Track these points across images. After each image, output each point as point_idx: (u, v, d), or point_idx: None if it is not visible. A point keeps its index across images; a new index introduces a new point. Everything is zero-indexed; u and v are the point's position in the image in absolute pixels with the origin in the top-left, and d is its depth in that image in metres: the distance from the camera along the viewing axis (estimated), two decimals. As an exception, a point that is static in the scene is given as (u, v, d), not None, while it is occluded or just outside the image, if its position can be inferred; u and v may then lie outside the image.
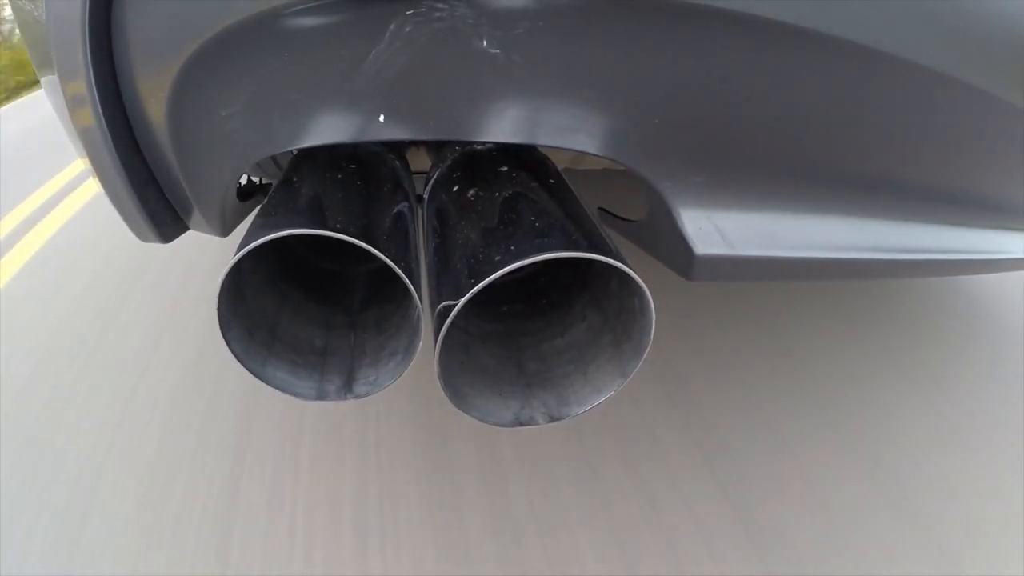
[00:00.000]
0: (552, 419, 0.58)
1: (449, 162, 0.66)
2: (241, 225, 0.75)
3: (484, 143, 0.66)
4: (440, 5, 0.43)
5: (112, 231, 2.08)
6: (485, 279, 0.45)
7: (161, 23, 0.49)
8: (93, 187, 2.50)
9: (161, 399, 1.23)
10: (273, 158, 0.84)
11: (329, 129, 0.50)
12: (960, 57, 0.52)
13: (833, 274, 0.64)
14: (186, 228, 0.69)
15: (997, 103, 0.57)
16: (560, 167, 0.67)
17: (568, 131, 0.50)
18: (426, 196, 0.68)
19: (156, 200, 0.63)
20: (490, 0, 0.43)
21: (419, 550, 0.86)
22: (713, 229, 0.54)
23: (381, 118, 0.49)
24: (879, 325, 1.24)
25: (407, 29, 0.44)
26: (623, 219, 0.66)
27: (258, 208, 0.65)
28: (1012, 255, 0.78)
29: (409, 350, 0.56)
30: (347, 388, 0.59)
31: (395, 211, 0.60)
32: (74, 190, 2.68)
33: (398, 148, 0.79)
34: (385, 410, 1.11)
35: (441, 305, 0.51)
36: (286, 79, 0.48)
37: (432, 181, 0.67)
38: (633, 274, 0.48)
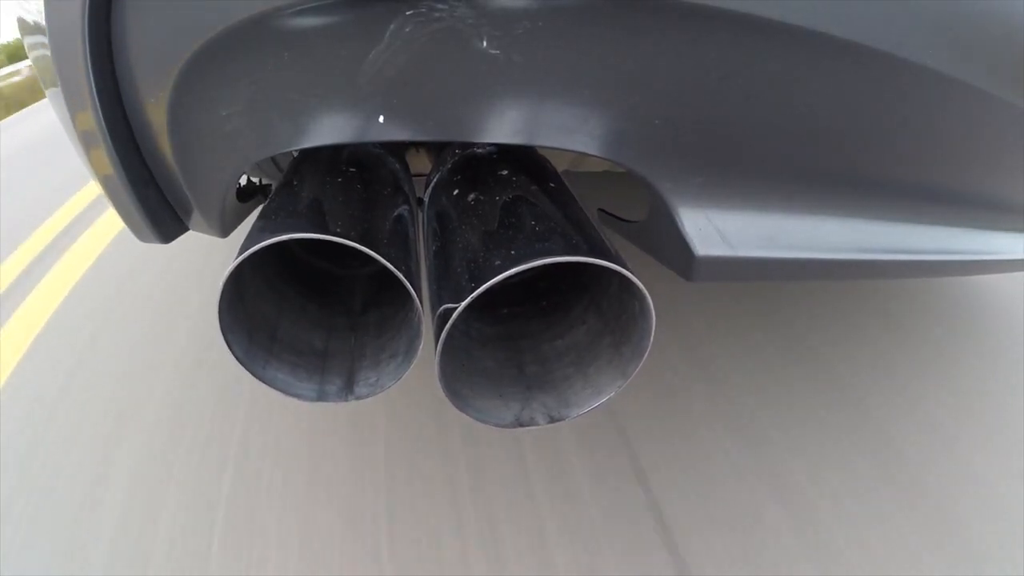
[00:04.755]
0: (552, 420, 0.58)
1: (449, 165, 0.66)
2: (241, 225, 0.75)
3: (484, 146, 0.66)
4: (440, 5, 0.43)
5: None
6: (485, 283, 0.45)
7: (161, 24, 0.48)
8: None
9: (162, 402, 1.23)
10: (273, 159, 0.84)
11: (329, 130, 0.50)
12: (960, 57, 0.52)
13: (833, 274, 0.64)
14: (186, 229, 0.69)
15: (997, 103, 0.57)
16: (560, 169, 0.67)
17: (568, 132, 0.50)
18: (426, 199, 0.68)
19: (156, 201, 0.63)
20: (490, 0, 0.43)
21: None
22: (713, 230, 0.54)
23: (381, 119, 0.49)
24: (884, 325, 1.24)
25: (407, 29, 0.44)
26: (623, 220, 0.66)
27: (258, 211, 0.64)
28: (1012, 256, 0.78)
29: (410, 352, 0.56)
30: (348, 390, 0.59)
31: (395, 214, 0.60)
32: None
33: (398, 150, 0.79)
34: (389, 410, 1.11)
35: (442, 308, 0.51)
36: (286, 80, 0.48)
37: (432, 184, 0.67)
38: (633, 277, 0.48)
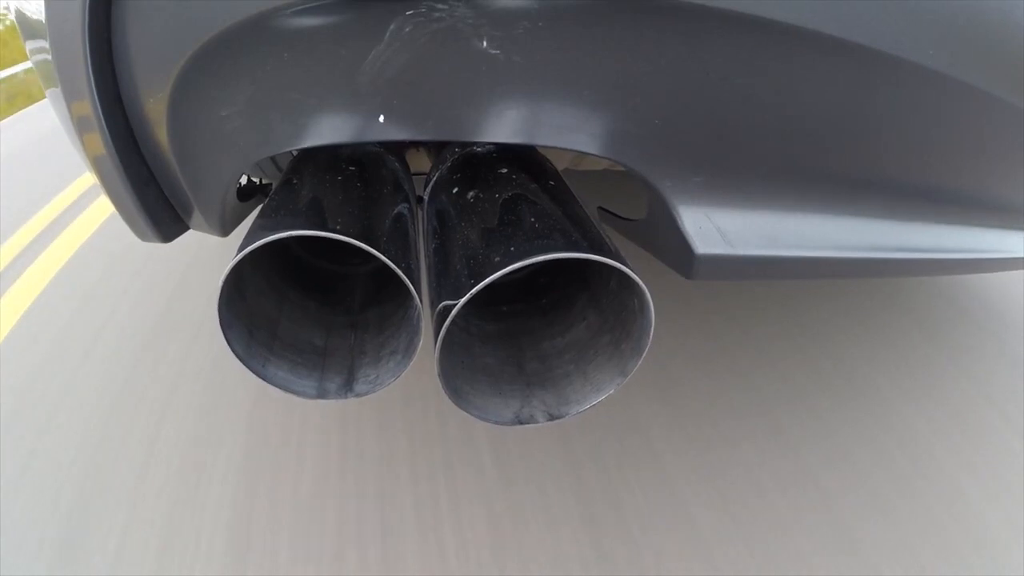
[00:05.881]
0: (552, 418, 0.58)
1: (449, 163, 0.66)
2: (241, 224, 0.75)
3: (484, 144, 0.66)
4: (440, 5, 0.43)
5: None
6: (485, 279, 0.45)
7: (161, 24, 0.49)
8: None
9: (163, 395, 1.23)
10: (272, 158, 0.84)
11: (329, 129, 0.50)
12: (960, 57, 0.52)
13: (833, 273, 0.64)
14: (186, 228, 0.69)
15: (997, 103, 0.57)
16: (560, 167, 0.67)
17: (568, 131, 0.50)
18: (426, 197, 0.68)
19: (156, 200, 0.64)
20: (490, 0, 0.43)
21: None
22: (713, 228, 0.55)
23: (381, 118, 0.49)
24: (884, 325, 1.24)
25: (407, 29, 0.44)
26: (623, 218, 0.66)
27: (258, 209, 0.65)
28: (1012, 255, 0.78)
29: (409, 349, 0.57)
30: (347, 387, 0.59)
31: (395, 212, 0.60)
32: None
33: (398, 149, 0.79)
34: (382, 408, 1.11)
35: (441, 305, 0.51)
36: (286, 79, 0.48)
37: (432, 182, 0.67)
38: (632, 274, 0.48)
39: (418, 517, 0.91)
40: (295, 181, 0.61)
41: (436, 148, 0.84)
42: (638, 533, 0.86)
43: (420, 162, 0.97)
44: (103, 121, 0.55)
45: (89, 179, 2.71)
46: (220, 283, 0.50)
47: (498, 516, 0.89)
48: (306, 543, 0.89)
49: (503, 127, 0.50)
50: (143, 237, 0.67)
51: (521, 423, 0.57)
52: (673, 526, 0.86)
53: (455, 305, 0.47)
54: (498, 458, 0.99)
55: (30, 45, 0.64)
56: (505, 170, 0.61)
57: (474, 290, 0.46)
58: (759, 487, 0.91)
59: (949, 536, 0.82)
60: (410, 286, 0.50)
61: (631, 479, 0.93)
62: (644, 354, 0.54)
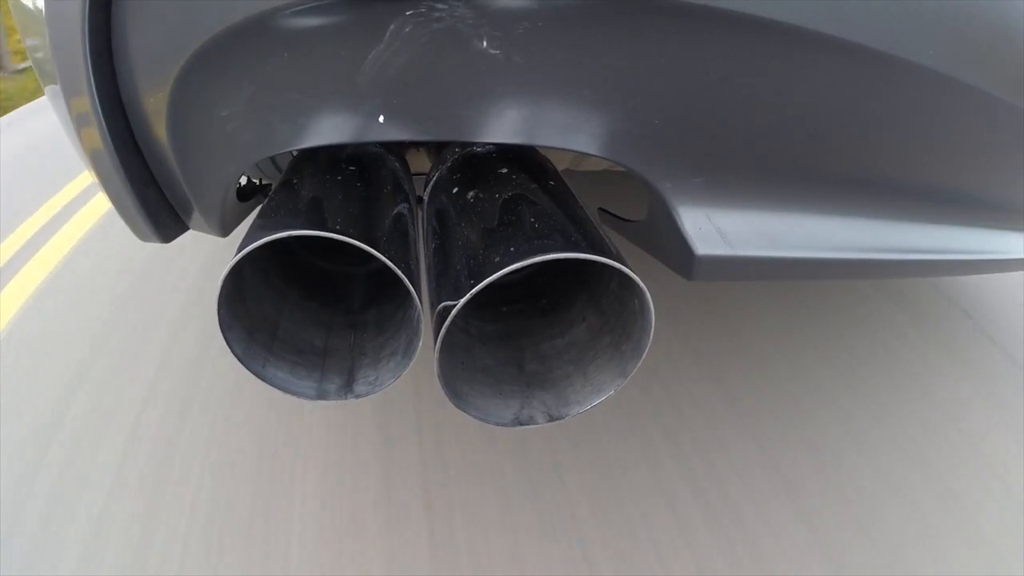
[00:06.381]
0: (552, 419, 0.58)
1: (449, 164, 0.66)
2: (241, 225, 0.75)
3: (484, 144, 0.66)
4: (440, 5, 0.43)
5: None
6: (484, 280, 0.45)
7: (161, 24, 0.49)
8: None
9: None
10: (272, 158, 0.84)
11: (329, 130, 0.50)
12: (960, 57, 0.52)
13: (833, 274, 0.64)
14: (186, 228, 0.69)
15: (997, 103, 0.57)
16: (560, 168, 0.67)
17: (568, 132, 0.50)
18: (426, 197, 0.68)
19: (156, 200, 0.64)
20: (490, 0, 0.43)
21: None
22: (713, 229, 0.54)
23: (381, 119, 0.49)
24: (883, 326, 1.24)
25: (407, 29, 0.44)
26: (623, 219, 0.66)
27: (258, 209, 0.65)
28: (1012, 255, 0.78)
29: (409, 350, 0.56)
30: (347, 388, 0.59)
31: (395, 212, 0.60)
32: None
33: (398, 149, 0.79)
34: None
35: (441, 305, 0.51)
36: (286, 79, 0.48)
37: (432, 183, 0.67)
38: (633, 275, 0.48)
39: (418, 517, 0.91)
40: (295, 181, 0.61)
41: (436, 148, 0.84)
42: (635, 532, 0.86)
43: (420, 162, 0.97)
44: (102, 120, 0.55)
45: (80, 182, 2.71)
46: (219, 283, 0.49)
47: (491, 519, 0.89)
48: (303, 543, 0.89)
49: (503, 127, 0.50)
50: (143, 237, 0.67)
51: (521, 424, 0.57)
52: (668, 528, 0.86)
53: (455, 305, 0.47)
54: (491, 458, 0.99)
55: (29, 42, 0.64)
56: (505, 170, 0.61)
57: (474, 291, 0.46)
58: (755, 488, 0.90)
59: (947, 537, 0.82)
60: (409, 287, 0.50)
61: (630, 480, 0.93)
62: (644, 355, 0.53)
